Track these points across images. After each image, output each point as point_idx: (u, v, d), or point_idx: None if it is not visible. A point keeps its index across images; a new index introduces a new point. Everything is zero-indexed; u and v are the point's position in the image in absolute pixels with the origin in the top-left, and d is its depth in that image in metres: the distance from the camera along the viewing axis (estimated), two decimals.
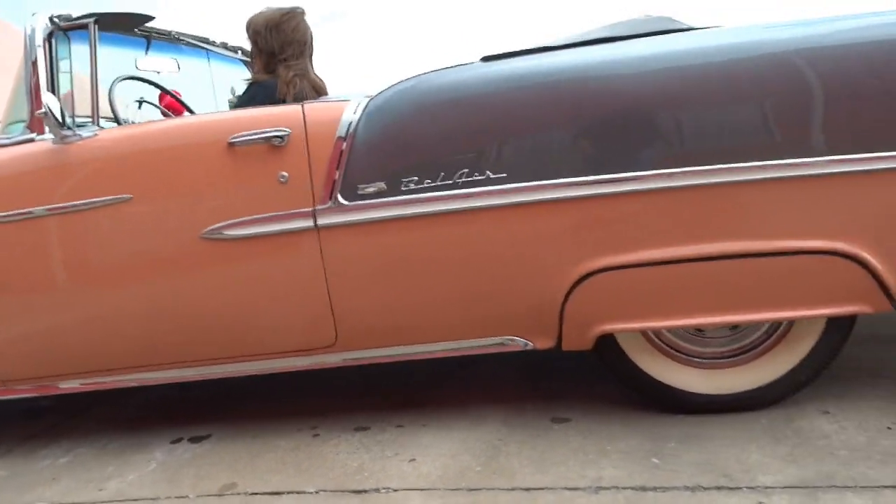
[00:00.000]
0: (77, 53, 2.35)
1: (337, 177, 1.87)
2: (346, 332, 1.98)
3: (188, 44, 2.94)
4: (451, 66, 1.92)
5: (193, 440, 2.23)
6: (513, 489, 1.68)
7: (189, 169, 1.97)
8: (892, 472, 1.55)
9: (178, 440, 2.25)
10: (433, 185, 1.82)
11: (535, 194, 1.77)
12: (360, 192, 1.86)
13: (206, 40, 3.16)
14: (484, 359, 1.90)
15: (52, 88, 2.13)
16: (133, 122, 2.41)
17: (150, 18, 2.60)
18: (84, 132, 2.06)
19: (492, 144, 1.81)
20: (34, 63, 2.12)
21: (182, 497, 1.87)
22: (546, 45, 1.88)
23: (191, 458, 2.10)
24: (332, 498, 1.76)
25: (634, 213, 1.75)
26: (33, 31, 2.13)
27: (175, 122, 2.18)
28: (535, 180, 1.77)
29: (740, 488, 1.57)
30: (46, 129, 2.07)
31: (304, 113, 1.93)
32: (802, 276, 1.72)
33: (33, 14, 2.22)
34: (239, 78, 3.32)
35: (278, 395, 2.55)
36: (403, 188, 1.84)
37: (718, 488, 1.58)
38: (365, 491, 1.77)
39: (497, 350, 1.95)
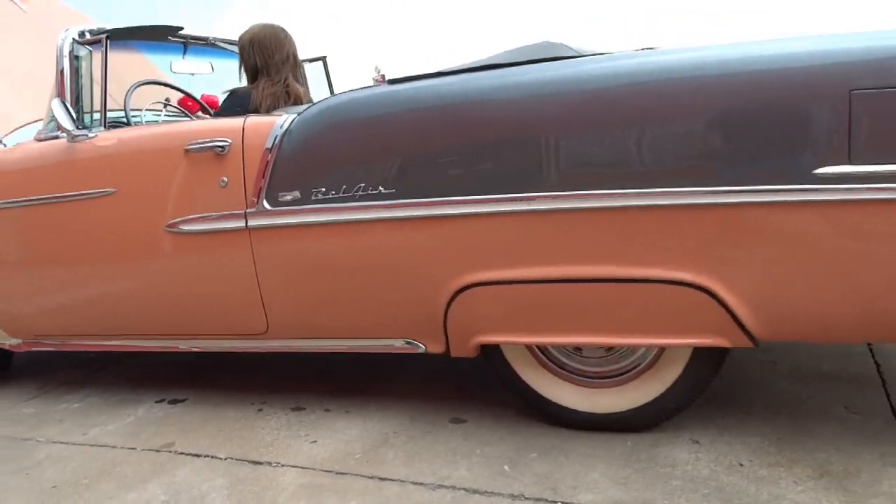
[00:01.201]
0: (124, 60, 2.78)
1: (263, 184, 2.11)
2: (275, 322, 2.24)
3: (224, 48, 3.27)
4: (365, 87, 2.09)
5: (172, 402, 2.61)
6: (371, 477, 1.87)
7: (157, 169, 2.30)
8: None
9: (161, 401, 2.63)
10: (337, 196, 2.01)
11: (418, 210, 1.92)
12: (279, 199, 2.09)
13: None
14: (436, 357, 2.07)
15: (76, 94, 2.53)
16: (144, 123, 2.77)
17: (179, 29, 2.96)
18: (90, 133, 2.44)
19: (385, 162, 1.97)
20: (61, 72, 2.53)
21: (131, 448, 2.23)
22: (445, 69, 1.99)
23: (161, 417, 2.47)
24: (232, 465, 2.04)
25: (507, 233, 1.84)
26: (62, 43, 2.53)
27: (150, 128, 2.50)
28: (419, 197, 1.91)
29: (552, 500, 1.65)
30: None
31: (244, 126, 2.18)
32: (658, 304, 1.74)
33: (66, 29, 2.63)
34: None
35: (256, 370, 2.86)
36: (313, 198, 2.05)
37: (537, 499, 1.68)
38: (259, 463, 2.03)
39: (399, 351, 2.12)
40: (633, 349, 1.93)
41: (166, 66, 3.16)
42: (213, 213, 2.20)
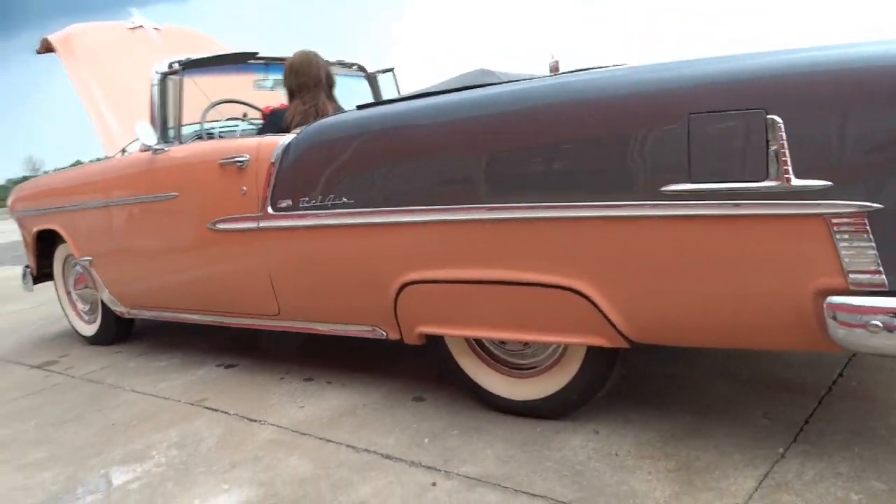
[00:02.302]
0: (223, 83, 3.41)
1: (268, 193, 2.57)
2: (284, 307, 2.70)
3: None
4: (349, 111, 2.48)
5: (227, 367, 3.18)
6: (321, 438, 2.27)
7: (203, 179, 2.85)
8: (541, 483, 1.78)
9: (220, 365, 3.22)
10: (316, 205, 2.42)
11: (369, 218, 2.27)
12: (279, 206, 2.54)
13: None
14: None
15: (163, 115, 3.14)
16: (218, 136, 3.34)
17: (254, 54, 3.52)
18: (166, 147, 3.05)
19: (346, 177, 2.34)
20: (150, 97, 3.16)
21: (177, 401, 2.81)
22: (397, 97, 2.32)
23: (212, 378, 3.05)
24: (234, 420, 2.53)
25: (433, 239, 2.14)
26: (153, 75, 3.16)
27: (202, 144, 3.02)
28: (369, 207, 2.27)
29: (438, 469, 1.95)
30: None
31: (258, 144, 2.65)
32: (546, 306, 1.95)
33: (159, 62, 3.26)
34: (359, 88, 4.13)
35: (295, 344, 3.35)
36: (300, 205, 2.47)
37: (428, 467, 1.98)
38: (253, 420, 2.51)
39: (368, 336, 2.48)
40: (545, 345, 2.14)
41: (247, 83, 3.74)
42: (237, 215, 2.70)
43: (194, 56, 3.21)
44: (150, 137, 3.04)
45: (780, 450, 1.84)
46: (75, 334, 4.08)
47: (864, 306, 1.49)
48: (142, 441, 2.44)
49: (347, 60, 4.12)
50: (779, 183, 1.54)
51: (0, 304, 5.89)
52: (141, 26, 4.44)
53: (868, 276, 1.49)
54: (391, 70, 4.28)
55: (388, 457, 2.08)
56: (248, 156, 2.64)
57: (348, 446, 2.18)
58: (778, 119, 1.52)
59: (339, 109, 3.03)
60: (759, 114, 1.55)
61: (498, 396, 2.24)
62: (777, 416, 2.03)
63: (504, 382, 2.23)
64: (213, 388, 2.90)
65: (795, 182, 1.52)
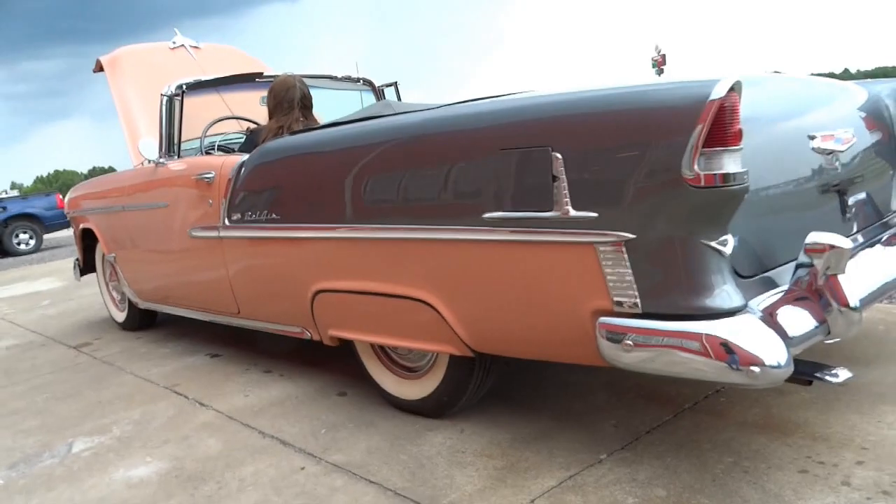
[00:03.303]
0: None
1: (225, 206, 2.94)
2: (242, 307, 3.07)
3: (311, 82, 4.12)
4: (287, 136, 2.80)
5: (213, 356, 3.60)
6: (243, 423, 2.61)
7: (184, 191, 3.26)
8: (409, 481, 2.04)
9: (208, 354, 3.63)
10: (256, 218, 2.76)
11: (287, 232, 2.58)
12: (232, 218, 2.90)
13: (330, 77, 4.33)
14: None
15: (169, 132, 3.56)
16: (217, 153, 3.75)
17: (259, 75, 3.91)
18: (165, 161, 3.48)
19: (273, 196, 2.66)
20: (160, 115, 3.60)
21: (156, 384, 3.24)
22: (325, 123, 2.62)
23: (196, 366, 3.46)
24: (188, 403, 2.92)
25: (333, 253, 2.43)
26: (162, 96, 3.60)
27: (186, 160, 3.41)
28: (288, 223, 2.58)
29: (315, 456, 2.24)
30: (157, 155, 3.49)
31: (222, 163, 3.02)
32: (408, 316, 2.19)
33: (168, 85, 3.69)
34: (367, 101, 4.45)
35: (269, 340, 3.70)
36: (246, 219, 2.82)
37: (309, 454, 2.27)
38: (203, 404, 2.88)
39: (300, 336, 2.79)
40: (422, 352, 2.38)
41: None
42: (206, 225, 3.08)
43: (204, 77, 3.61)
44: (152, 152, 3.47)
45: (603, 455, 2.00)
46: (111, 320, 4.64)
47: (620, 326, 1.65)
48: (111, 417, 2.86)
49: (355, 76, 4.45)
50: (559, 214, 1.72)
51: (78, 288, 6.64)
52: (182, 46, 4.94)
53: (627, 298, 1.65)
54: (394, 84, 4.57)
55: (284, 443, 2.38)
56: (213, 172, 3.01)
57: (259, 432, 2.50)
58: (559, 155, 1.70)
59: (310, 129, 3.35)
60: (545, 151, 1.73)
61: (391, 395, 2.50)
62: (626, 425, 2.18)
63: (396, 382, 2.49)
64: (189, 375, 3.31)
65: (573, 213, 1.70)
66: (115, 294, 4.60)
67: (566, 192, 1.70)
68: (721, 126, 1.49)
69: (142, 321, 4.35)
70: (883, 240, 2.30)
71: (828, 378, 1.67)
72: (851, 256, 2.09)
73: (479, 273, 1.97)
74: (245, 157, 2.87)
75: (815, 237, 1.69)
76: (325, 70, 4.23)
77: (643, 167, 1.58)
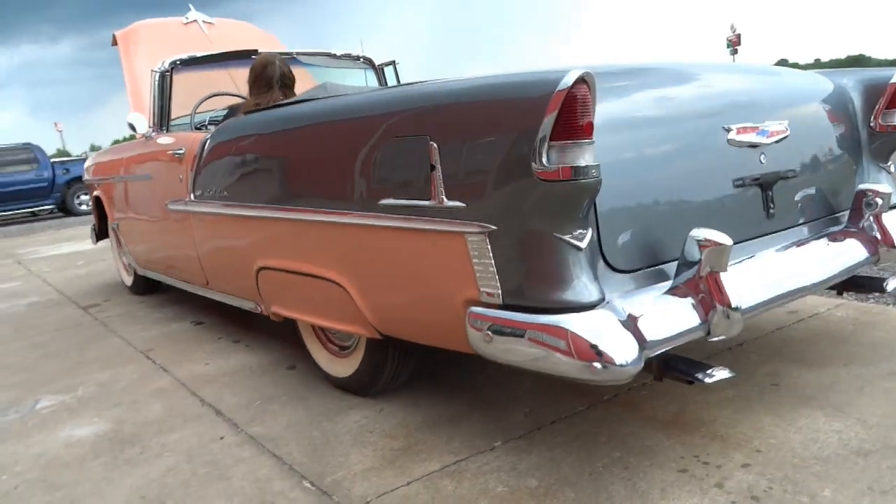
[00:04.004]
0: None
1: (191, 181, 3.04)
2: (210, 279, 3.18)
3: (309, 60, 4.18)
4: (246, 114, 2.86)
5: (196, 324, 3.74)
6: (191, 392, 2.72)
7: (163, 165, 3.37)
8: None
9: (193, 322, 3.78)
10: (212, 195, 2.84)
11: (233, 210, 2.65)
12: (196, 194, 3.00)
13: (328, 55, 4.36)
14: None
15: (160, 106, 3.69)
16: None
17: (254, 52, 3.98)
18: (153, 134, 3.60)
19: (224, 174, 2.73)
20: (151, 90, 3.72)
21: (135, 348, 3.40)
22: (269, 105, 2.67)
23: (176, 333, 3.61)
24: (154, 368, 3.06)
25: (268, 232, 2.49)
26: (153, 73, 3.72)
27: (167, 135, 3.51)
28: (235, 201, 2.65)
29: (237, 427, 2.32)
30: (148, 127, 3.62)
31: (192, 139, 3.11)
32: (326, 295, 2.24)
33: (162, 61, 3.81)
34: (370, 80, 4.47)
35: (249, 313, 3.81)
36: (205, 195, 2.91)
37: (232, 424, 2.36)
38: (166, 370, 3.01)
39: (254, 311, 2.87)
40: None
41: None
42: (178, 199, 3.19)
43: (198, 54, 3.70)
44: (142, 126, 3.59)
45: (498, 443, 2.01)
46: (123, 284, 4.87)
47: (482, 315, 1.65)
48: (82, 378, 3.03)
49: (354, 54, 4.46)
50: (435, 203, 1.72)
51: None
52: (195, 21, 5.05)
53: (491, 289, 1.65)
54: (392, 63, 4.57)
55: (217, 412, 2.48)
56: (184, 149, 3.11)
57: (201, 401, 2.61)
58: (435, 145, 1.70)
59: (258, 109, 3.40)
60: (424, 140, 1.73)
61: (325, 371, 2.56)
62: (537, 414, 2.18)
63: (329, 360, 2.54)
64: (166, 341, 3.45)
65: (446, 203, 1.70)
66: (124, 259, 4.81)
67: (441, 181, 1.70)
68: (570, 118, 1.46)
69: (146, 286, 4.54)
70: (829, 235, 2.20)
71: (701, 378, 1.63)
72: (789, 248, 2.04)
73: (378, 257, 1.99)
74: (208, 134, 2.95)
75: (696, 233, 1.65)
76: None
77: (501, 158, 1.56)
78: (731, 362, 2.46)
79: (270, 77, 3.32)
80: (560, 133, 1.47)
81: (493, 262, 1.62)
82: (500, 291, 1.63)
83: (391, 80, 4.53)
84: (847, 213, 2.29)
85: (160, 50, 4.62)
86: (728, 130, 1.93)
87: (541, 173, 1.48)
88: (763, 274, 1.88)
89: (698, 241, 1.64)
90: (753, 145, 1.99)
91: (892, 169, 2.55)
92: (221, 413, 2.46)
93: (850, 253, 2.17)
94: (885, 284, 2.32)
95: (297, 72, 4.17)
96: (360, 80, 4.51)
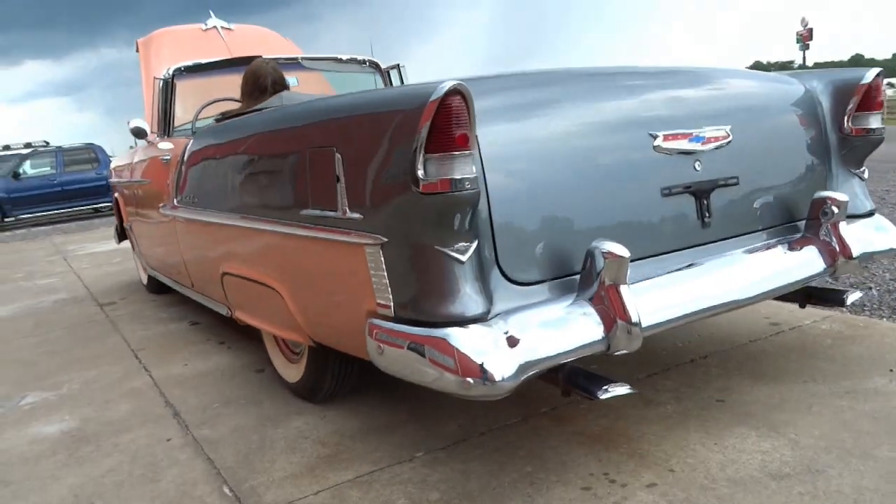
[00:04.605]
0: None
1: (175, 187, 3.14)
2: (193, 280, 3.27)
3: (307, 66, 4.24)
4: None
5: (192, 324, 3.85)
6: (161, 393, 2.81)
7: (156, 170, 3.49)
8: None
9: (191, 322, 3.89)
10: (187, 201, 2.93)
11: (202, 216, 2.73)
12: (176, 199, 3.09)
13: (334, 59, 4.41)
14: None
15: (163, 112, 3.82)
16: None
17: (254, 58, 4.06)
18: (155, 140, 3.73)
19: (197, 180, 2.81)
20: (153, 97, 3.85)
21: (129, 346, 3.53)
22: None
23: (172, 333, 3.73)
24: (135, 369, 3.16)
25: (225, 238, 2.55)
26: (155, 79, 3.85)
27: (162, 141, 3.61)
28: (203, 207, 2.72)
29: (187, 429, 2.39)
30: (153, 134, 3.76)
31: (178, 146, 3.21)
32: (267, 300, 2.27)
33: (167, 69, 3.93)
34: (370, 83, 4.51)
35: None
36: (183, 200, 3.00)
37: (183, 426, 2.42)
38: (147, 371, 3.12)
39: (228, 315, 2.94)
40: None
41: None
42: (166, 203, 3.30)
43: (203, 61, 3.80)
44: (145, 131, 3.72)
45: (420, 453, 2.01)
46: (141, 282, 5.05)
47: (375, 327, 1.66)
48: (71, 375, 3.16)
49: (360, 57, 4.49)
50: (340, 213, 1.73)
51: None
52: (214, 27, 5.18)
53: (385, 301, 1.65)
54: (397, 66, 4.58)
55: (176, 414, 2.55)
56: (170, 155, 3.21)
57: (166, 402, 2.69)
58: (339, 156, 1.72)
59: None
60: (331, 151, 1.75)
61: (280, 375, 2.60)
62: (469, 426, 2.17)
63: (283, 364, 2.59)
64: (159, 341, 3.57)
65: (348, 214, 1.71)
66: (139, 259, 4.98)
67: (344, 192, 1.71)
68: (443, 129, 1.45)
69: (158, 285, 4.69)
70: (779, 245, 2.12)
71: (597, 393, 1.60)
72: (723, 259, 1.97)
73: (301, 266, 2.02)
74: (191, 141, 3.03)
75: (596, 245, 1.61)
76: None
77: (388, 170, 1.57)
78: (689, 374, 2.39)
79: (264, 85, 3.38)
80: (435, 145, 1.46)
81: (385, 274, 1.63)
82: (392, 304, 1.63)
83: (397, 84, 4.54)
84: (805, 222, 2.19)
85: (177, 56, 4.75)
86: (654, 137, 1.87)
87: (420, 185, 1.47)
88: (682, 287, 1.82)
89: (596, 252, 1.61)
90: (686, 152, 1.92)
91: (866, 175, 2.42)
92: (179, 415, 2.53)
93: (799, 264, 2.08)
94: (844, 297, 2.21)
95: (311, 76, 4.25)
96: (370, 84, 4.53)
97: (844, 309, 3.00)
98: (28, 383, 3.12)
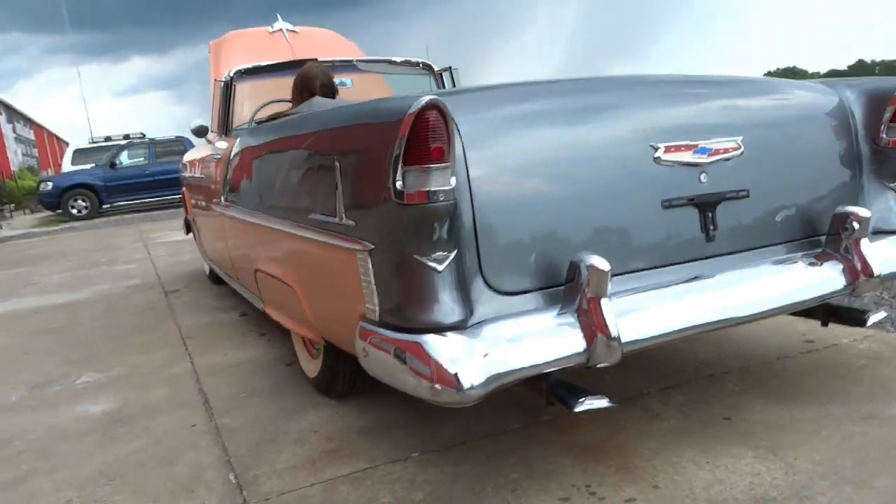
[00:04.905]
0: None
1: (222, 185, 3.30)
2: (237, 274, 3.44)
3: (361, 68, 4.36)
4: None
5: (241, 315, 4.03)
6: (195, 382, 2.98)
7: (212, 168, 3.67)
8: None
9: (241, 313, 4.08)
10: (231, 200, 3.09)
11: (241, 215, 2.87)
12: (224, 196, 3.26)
13: (388, 61, 4.51)
14: None
15: (224, 112, 4.02)
16: None
17: (308, 61, 4.22)
18: (213, 139, 3.93)
19: (238, 180, 2.95)
20: (212, 97, 4.06)
21: (178, 335, 3.74)
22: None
23: (220, 323, 3.93)
24: (179, 357, 3.35)
25: (254, 237, 2.69)
26: (216, 81, 4.05)
27: (224, 139, 3.78)
28: (241, 206, 2.87)
29: (212, 416, 2.53)
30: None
31: (227, 146, 3.37)
32: (286, 296, 2.38)
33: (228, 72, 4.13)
34: (424, 85, 4.60)
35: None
36: (227, 199, 3.16)
37: (211, 414, 2.57)
38: (190, 358, 3.30)
39: (259, 307, 3.08)
40: None
41: None
42: (217, 200, 3.47)
43: (263, 63, 3.97)
44: (205, 130, 3.92)
45: (416, 454, 2.07)
46: (205, 272, 5.32)
47: (364, 330, 1.72)
48: (123, 359, 3.39)
49: (413, 60, 4.57)
50: (338, 219, 1.81)
51: None
52: (280, 30, 5.38)
53: (372, 306, 1.71)
54: (448, 69, 4.63)
55: (206, 402, 2.71)
56: (220, 155, 3.38)
57: (200, 389, 2.85)
58: (338, 164, 1.79)
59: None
60: (332, 159, 1.83)
61: (303, 370, 2.71)
62: (470, 429, 2.20)
63: (306, 359, 2.70)
64: (208, 330, 3.77)
65: (345, 220, 1.79)
66: (202, 249, 5.24)
67: (341, 199, 1.79)
68: (420, 142, 1.49)
69: (219, 276, 4.93)
70: (794, 261, 2.06)
71: (573, 405, 1.62)
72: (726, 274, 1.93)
73: (311, 266, 2.11)
74: (238, 141, 3.18)
75: (578, 258, 1.63)
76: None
77: (374, 180, 1.62)
78: (703, 390, 2.35)
79: (313, 88, 3.50)
80: (412, 157, 1.51)
81: (372, 279, 1.69)
82: (377, 308, 1.69)
83: (449, 86, 4.59)
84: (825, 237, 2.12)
85: (243, 58, 4.96)
86: (655, 149, 1.85)
87: (400, 196, 1.52)
88: (676, 302, 1.79)
89: (580, 265, 1.62)
90: (690, 164, 1.89)
91: None
92: (208, 402, 2.68)
93: (813, 281, 2.01)
94: (865, 317, 2.13)
95: (371, 78, 4.36)
96: (424, 86, 4.59)
97: (892, 329, 2.87)
98: (86, 364, 3.36)
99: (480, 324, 1.60)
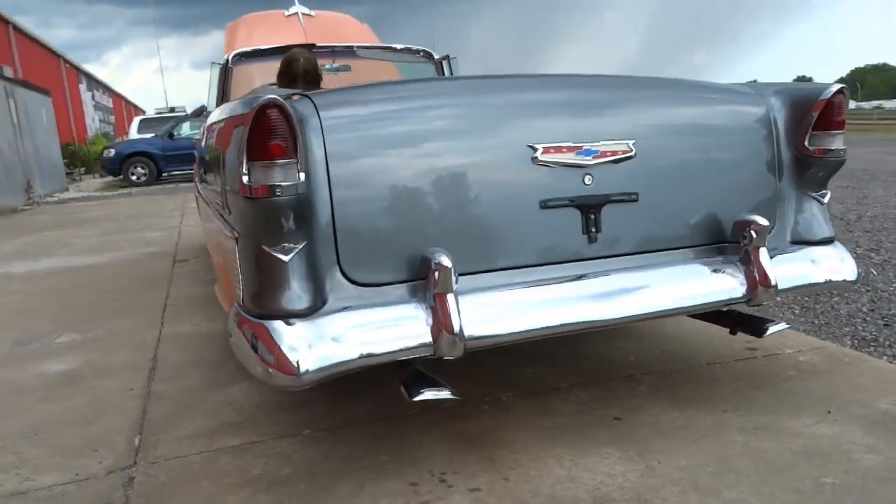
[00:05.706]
0: None
1: (198, 164, 3.45)
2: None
3: (360, 54, 4.43)
4: None
5: None
6: (159, 348, 3.15)
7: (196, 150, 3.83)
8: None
9: None
10: (199, 182, 3.24)
11: (201, 193, 3.01)
12: (198, 175, 3.41)
13: (389, 48, 4.58)
14: None
15: (221, 94, 4.18)
16: None
17: (312, 46, 4.33)
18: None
19: (198, 166, 3.09)
20: (210, 80, 4.21)
21: (163, 302, 3.93)
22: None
23: (210, 293, 4.10)
24: (157, 322, 3.54)
25: (206, 218, 2.82)
26: (213, 64, 4.20)
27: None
28: (201, 188, 3.01)
29: (152, 381, 2.69)
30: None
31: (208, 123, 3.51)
32: (219, 277, 2.51)
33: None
34: (423, 71, 4.64)
35: None
36: (199, 181, 3.31)
37: (152, 379, 2.73)
38: (163, 325, 3.48)
39: None
40: None
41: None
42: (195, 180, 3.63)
43: (262, 47, 4.10)
44: (201, 111, 4.09)
45: (307, 431, 2.16)
46: None
47: (236, 315, 1.80)
48: (105, 321, 3.60)
49: (414, 47, 4.62)
50: (223, 209, 1.91)
51: None
52: (296, 13, 5.50)
53: (239, 292, 1.80)
54: (447, 57, 4.65)
55: (153, 368, 2.87)
56: (199, 133, 3.52)
57: (154, 356, 3.02)
58: (222, 154, 1.89)
59: None
60: (221, 147, 1.92)
61: None
62: (379, 411, 2.28)
63: None
64: (189, 302, 3.95)
65: (226, 209, 1.88)
66: None
67: (225, 189, 1.88)
68: (261, 139, 1.56)
69: None
70: (706, 267, 2.04)
71: (414, 395, 1.69)
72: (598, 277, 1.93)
73: (222, 252, 2.22)
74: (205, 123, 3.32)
75: (427, 253, 1.68)
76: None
77: (234, 172, 1.70)
78: (612, 389, 2.37)
79: (294, 73, 3.60)
80: (254, 153, 1.58)
81: (238, 267, 1.77)
82: (241, 294, 1.77)
83: (447, 74, 4.62)
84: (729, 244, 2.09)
85: (254, 40, 5.10)
86: (534, 150, 1.86)
87: (248, 189, 1.60)
88: (536, 301, 1.81)
89: (431, 261, 1.67)
90: (573, 165, 1.90)
91: (827, 199, 2.24)
92: (155, 369, 2.84)
93: (702, 288, 1.99)
94: (765, 327, 2.09)
95: (382, 64, 4.45)
96: (428, 72, 4.63)
97: (868, 342, 2.79)
98: (71, 324, 3.59)
99: (328, 313, 1.67)
